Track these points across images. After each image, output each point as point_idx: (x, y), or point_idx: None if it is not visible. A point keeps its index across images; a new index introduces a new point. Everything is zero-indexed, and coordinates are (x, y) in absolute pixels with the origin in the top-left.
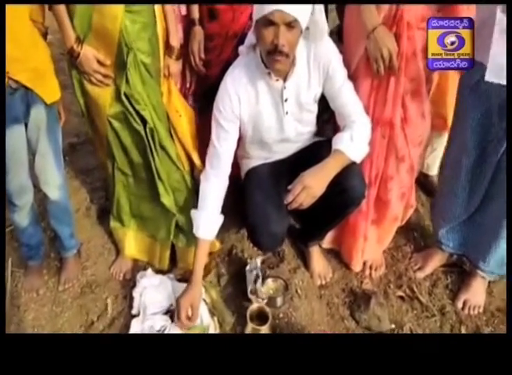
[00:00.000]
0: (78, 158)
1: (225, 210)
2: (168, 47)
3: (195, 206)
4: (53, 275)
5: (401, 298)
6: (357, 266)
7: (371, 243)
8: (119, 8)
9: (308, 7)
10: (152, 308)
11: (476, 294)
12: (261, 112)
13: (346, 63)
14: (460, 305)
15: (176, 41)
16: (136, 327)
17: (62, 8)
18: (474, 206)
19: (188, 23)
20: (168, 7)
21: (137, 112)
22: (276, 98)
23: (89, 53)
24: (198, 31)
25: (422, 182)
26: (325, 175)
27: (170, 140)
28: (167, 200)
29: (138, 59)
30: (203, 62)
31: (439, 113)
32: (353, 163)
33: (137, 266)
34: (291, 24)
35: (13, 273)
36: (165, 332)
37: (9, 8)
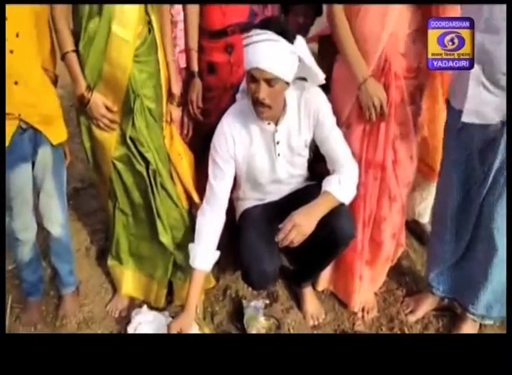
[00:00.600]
0: (81, 202)
1: (220, 251)
2: (170, 94)
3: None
4: (51, 311)
5: None
6: (355, 306)
7: (365, 283)
8: (129, 60)
9: (293, 62)
10: None
11: None
12: (254, 154)
13: (337, 112)
14: None
15: (177, 89)
16: None
17: (73, 59)
18: (461, 250)
19: (187, 75)
20: (170, 59)
21: (141, 154)
22: (269, 141)
23: (98, 100)
24: (197, 83)
25: (414, 229)
26: (314, 214)
27: (171, 181)
28: (165, 238)
29: (144, 105)
30: (201, 110)
31: (424, 161)
32: (342, 205)
33: (133, 304)
34: (271, 82)
35: (13, 309)
36: None
37: (22, 57)
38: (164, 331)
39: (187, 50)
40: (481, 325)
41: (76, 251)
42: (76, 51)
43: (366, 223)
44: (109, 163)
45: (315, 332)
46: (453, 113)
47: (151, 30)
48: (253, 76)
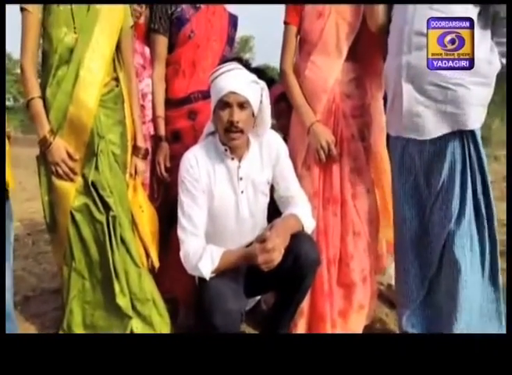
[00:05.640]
0: (31, 307)
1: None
2: (135, 147)
3: (153, 312)
4: None
5: None
6: None
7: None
8: (95, 101)
9: (256, 92)
10: None
11: None
12: (217, 190)
13: (296, 156)
14: None
15: (143, 142)
16: None
17: (38, 104)
18: (427, 281)
19: (155, 140)
20: (136, 116)
21: (102, 200)
22: (232, 177)
23: (60, 143)
24: (164, 146)
25: (386, 295)
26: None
27: (131, 233)
28: (123, 301)
29: (109, 148)
30: (168, 173)
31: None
32: (303, 231)
33: None
34: (243, 105)
35: None
36: None
37: None
38: None
39: (155, 117)
40: None
41: None
42: (42, 98)
43: (331, 261)
44: (67, 216)
45: None
46: (393, 143)
47: (118, 85)
48: (226, 103)
